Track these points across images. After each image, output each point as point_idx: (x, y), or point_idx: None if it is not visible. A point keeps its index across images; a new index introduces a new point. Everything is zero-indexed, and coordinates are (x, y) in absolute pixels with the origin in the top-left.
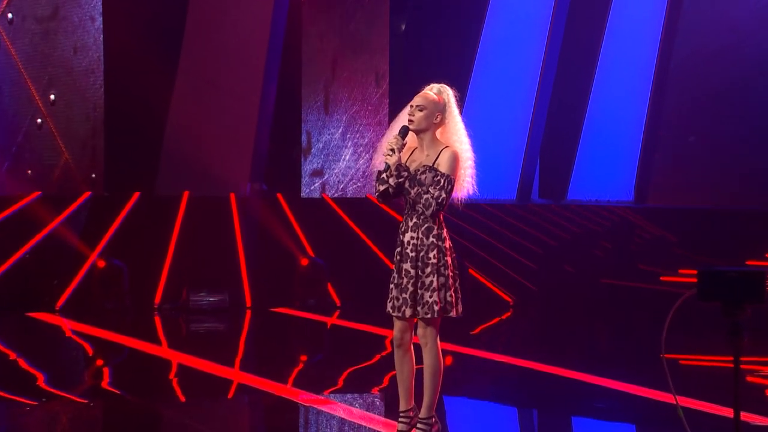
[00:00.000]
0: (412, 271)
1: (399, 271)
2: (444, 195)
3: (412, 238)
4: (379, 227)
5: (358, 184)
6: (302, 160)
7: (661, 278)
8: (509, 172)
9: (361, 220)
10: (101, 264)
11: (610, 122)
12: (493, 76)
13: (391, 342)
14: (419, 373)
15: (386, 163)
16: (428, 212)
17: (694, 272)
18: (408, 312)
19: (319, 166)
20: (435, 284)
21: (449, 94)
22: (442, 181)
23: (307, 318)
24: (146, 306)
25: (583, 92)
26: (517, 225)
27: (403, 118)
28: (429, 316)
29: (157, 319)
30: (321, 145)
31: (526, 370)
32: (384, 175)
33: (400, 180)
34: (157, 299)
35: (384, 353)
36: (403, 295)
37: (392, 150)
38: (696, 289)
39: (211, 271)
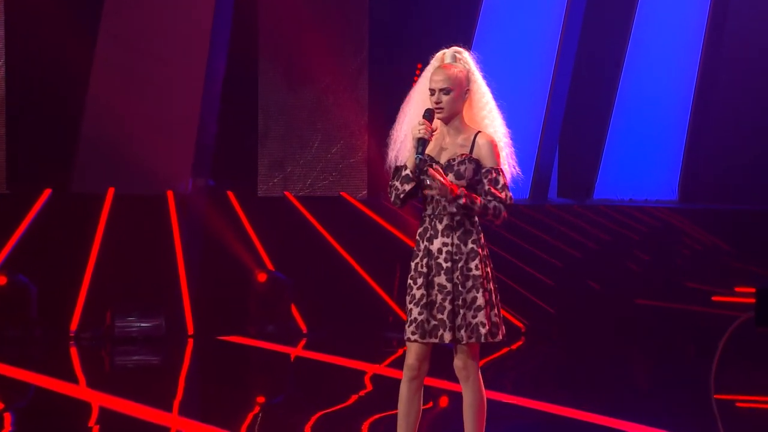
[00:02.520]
0: (449, 286)
1: (428, 287)
2: (509, 192)
3: (444, 245)
4: (357, 234)
5: (331, 179)
6: (258, 148)
7: (712, 298)
8: (520, 165)
9: (334, 224)
10: (2, 281)
11: (648, 105)
12: (501, 43)
13: (404, 372)
14: (430, 416)
15: (419, 156)
16: (499, 220)
17: (753, 290)
18: (447, 336)
19: (280, 156)
20: (480, 301)
21: (468, 58)
22: (501, 177)
23: (265, 348)
24: (60, 334)
25: (613, 67)
26: (530, 231)
27: (418, 104)
28: (473, 340)
29: (74, 351)
30: (282, 130)
31: (542, 415)
32: (408, 173)
33: (460, 202)
34: (74, 325)
35: (362, 392)
36: (440, 316)
37: (421, 142)
38: (754, 311)
39: (142, 289)
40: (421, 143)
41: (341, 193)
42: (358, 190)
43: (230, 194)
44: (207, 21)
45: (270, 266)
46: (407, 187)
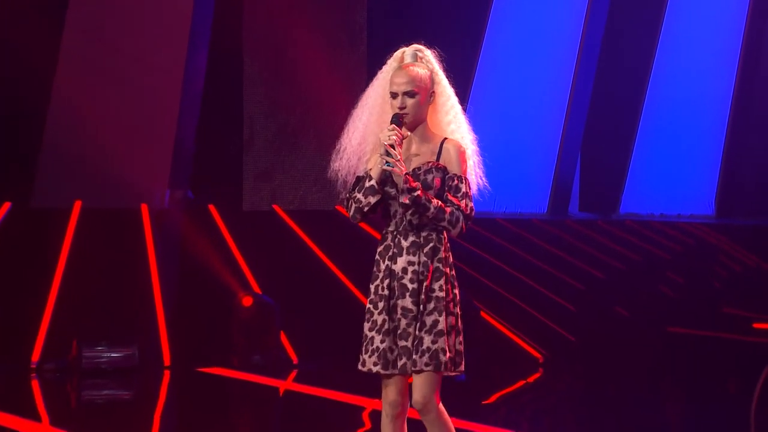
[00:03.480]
0: (415, 309)
1: (390, 311)
2: (471, 203)
3: (410, 263)
4: (354, 252)
5: (325, 191)
6: (243, 156)
7: (753, 325)
8: (537, 176)
9: (329, 241)
10: None
11: (680, 108)
12: (515, 41)
13: (385, 409)
14: None
15: (385, 169)
16: (456, 230)
17: None
18: (410, 366)
19: (269, 165)
20: (442, 325)
21: (431, 57)
22: (463, 186)
23: (250, 382)
24: (19, 365)
25: (641, 67)
26: (548, 249)
27: (376, 110)
28: (431, 368)
29: (36, 384)
30: (270, 136)
31: None
32: (373, 183)
33: (415, 195)
34: (36, 356)
35: (360, 431)
36: (403, 343)
37: (392, 149)
38: None
39: (113, 315)
40: (393, 150)
41: (337, 206)
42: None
43: (212, 208)
44: (186, 13)
45: (256, 289)
46: (372, 200)
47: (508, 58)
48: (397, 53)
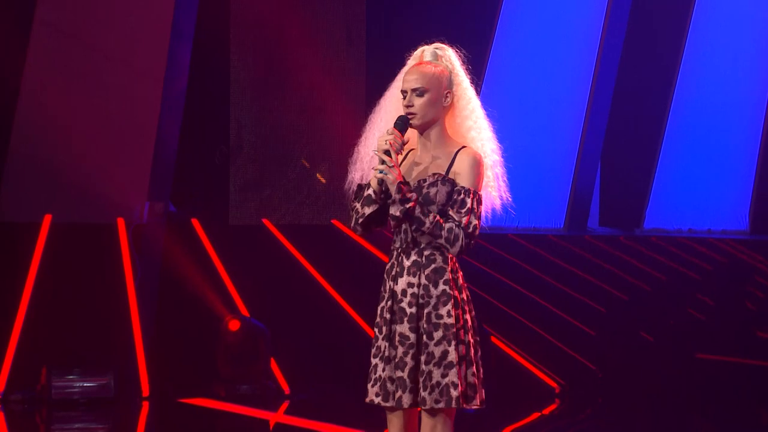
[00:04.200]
0: (412, 337)
1: (389, 338)
2: (475, 221)
3: (410, 285)
4: (352, 271)
5: (320, 204)
6: (230, 165)
7: None
8: (553, 188)
9: (324, 259)
10: None
11: (709, 114)
12: (528, 43)
13: None
14: None
15: (377, 177)
16: (455, 249)
17: None
18: (407, 400)
19: (258, 175)
20: (452, 356)
21: (452, 57)
22: (469, 200)
23: (237, 414)
24: None
25: (667, 69)
26: (565, 267)
27: (390, 114)
28: (442, 405)
29: (1, 416)
30: (259, 143)
31: None
32: (370, 193)
33: (407, 206)
34: (1, 386)
35: None
36: (399, 374)
37: (386, 155)
38: None
39: (86, 340)
40: (388, 156)
41: (333, 221)
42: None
43: (195, 222)
44: (167, 7)
45: (244, 312)
46: (367, 211)
47: (521, 59)
48: (417, 51)
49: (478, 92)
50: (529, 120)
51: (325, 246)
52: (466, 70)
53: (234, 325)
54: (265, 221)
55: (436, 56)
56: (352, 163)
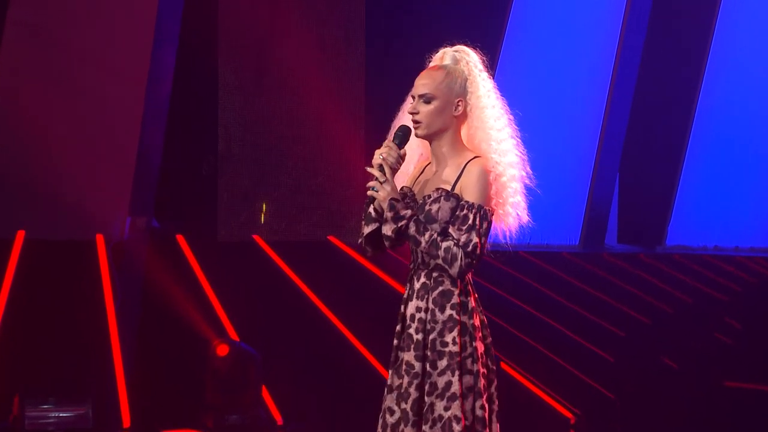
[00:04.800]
0: (417, 366)
1: (396, 366)
2: (476, 239)
3: (418, 309)
4: (351, 292)
5: (315, 218)
6: (218, 177)
7: None
8: (568, 201)
9: (320, 278)
10: None
11: (736, 123)
12: (540, 45)
13: None
14: None
15: (370, 196)
16: (453, 270)
17: None
18: None
19: (247, 187)
20: (456, 388)
21: (473, 61)
22: (471, 216)
23: None
24: None
25: (691, 74)
26: (580, 288)
27: (405, 119)
28: None
29: None
30: (250, 152)
31: None
32: (371, 211)
33: (400, 225)
34: None
35: None
36: (403, 405)
37: (379, 171)
38: None
39: (63, 366)
40: (381, 172)
41: (329, 237)
42: (352, 233)
43: (180, 239)
44: (151, 5)
45: (233, 336)
46: (367, 230)
47: (533, 62)
48: (438, 54)
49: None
50: (541, 127)
51: (321, 264)
52: (489, 76)
53: (222, 349)
54: (257, 237)
55: (455, 60)
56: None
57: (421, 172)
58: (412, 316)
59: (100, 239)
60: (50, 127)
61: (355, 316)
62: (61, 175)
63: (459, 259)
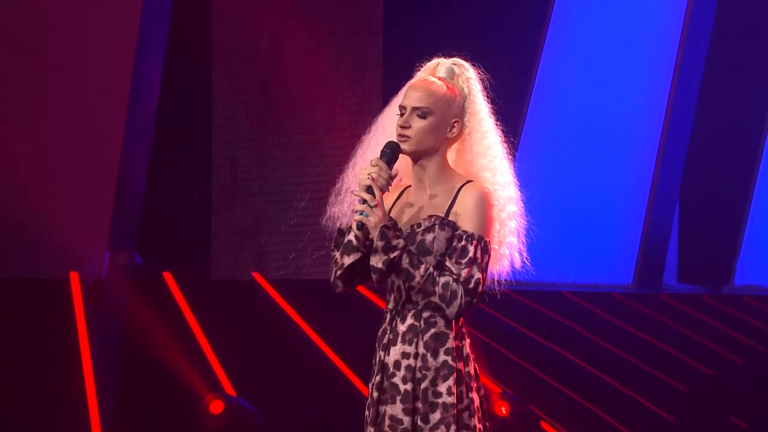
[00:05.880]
0: (406, 420)
1: (377, 422)
2: (478, 274)
3: (405, 355)
4: (364, 337)
5: (324, 253)
6: (213, 206)
7: None
8: (620, 235)
9: (330, 323)
10: None
11: None
12: (584, 57)
13: None
14: None
15: (359, 222)
16: (451, 309)
17: None
18: None
19: (247, 218)
20: None
21: (471, 78)
22: (472, 248)
23: None
24: None
25: (760, 94)
26: (634, 334)
27: (391, 131)
28: None
29: None
30: (249, 178)
31: None
32: (351, 238)
33: (392, 256)
34: None
35: None
36: None
37: (368, 193)
38: None
39: (31, 427)
40: (371, 194)
41: None
42: None
43: (168, 277)
44: (134, 9)
45: (230, 390)
46: (348, 260)
47: (578, 76)
48: (431, 64)
49: (522, 119)
50: (588, 151)
51: (330, 307)
52: (486, 97)
53: (216, 406)
54: (257, 276)
55: (452, 73)
56: (334, 195)
57: (398, 197)
58: (397, 364)
59: (74, 277)
60: (16, 148)
61: (368, 365)
62: (29, 205)
63: (459, 297)
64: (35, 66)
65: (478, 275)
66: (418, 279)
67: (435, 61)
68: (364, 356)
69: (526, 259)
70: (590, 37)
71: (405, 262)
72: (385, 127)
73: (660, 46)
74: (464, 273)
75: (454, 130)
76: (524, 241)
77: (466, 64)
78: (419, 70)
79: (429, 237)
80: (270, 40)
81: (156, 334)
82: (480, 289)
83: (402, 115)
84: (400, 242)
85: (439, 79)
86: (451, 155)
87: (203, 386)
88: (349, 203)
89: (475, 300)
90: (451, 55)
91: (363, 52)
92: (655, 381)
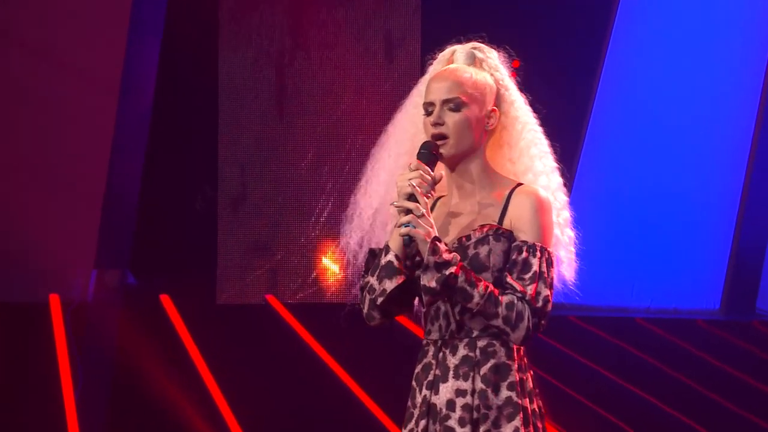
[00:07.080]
0: None
1: None
2: (546, 291)
3: (459, 393)
4: (392, 369)
5: (352, 270)
6: (218, 220)
7: None
8: (704, 255)
9: (354, 353)
10: None
11: None
12: (658, 53)
13: None
14: None
15: (406, 235)
16: (518, 334)
17: None
18: None
19: (259, 233)
20: None
21: (496, 60)
22: (536, 261)
23: None
24: None
25: None
26: (722, 369)
27: (405, 140)
28: None
29: None
30: (260, 188)
31: None
32: (391, 259)
33: (447, 273)
34: None
35: None
36: None
37: (412, 203)
38: None
39: None
40: (415, 203)
41: None
42: None
43: (166, 300)
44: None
45: (236, 429)
46: (390, 285)
47: (649, 77)
48: (445, 53)
49: (585, 124)
50: (667, 157)
51: (358, 336)
52: (516, 84)
53: None
54: (270, 298)
55: (473, 59)
56: (346, 222)
57: (431, 208)
58: (451, 404)
59: (55, 301)
60: None
61: (398, 400)
62: (4, 218)
63: (525, 318)
64: (10, 55)
65: (546, 292)
66: (477, 299)
67: (450, 48)
68: (399, 394)
69: (580, 274)
70: (665, 29)
71: (461, 280)
72: (400, 137)
73: (750, 37)
74: (530, 290)
75: (492, 121)
76: (573, 241)
77: (486, 48)
78: (430, 65)
79: (483, 250)
80: (286, 19)
81: (151, 368)
82: (549, 308)
83: (429, 114)
84: (455, 257)
85: (461, 68)
86: (489, 149)
87: (205, 425)
88: (362, 229)
89: (543, 321)
90: (464, 41)
91: (399, 30)
92: (745, 423)
